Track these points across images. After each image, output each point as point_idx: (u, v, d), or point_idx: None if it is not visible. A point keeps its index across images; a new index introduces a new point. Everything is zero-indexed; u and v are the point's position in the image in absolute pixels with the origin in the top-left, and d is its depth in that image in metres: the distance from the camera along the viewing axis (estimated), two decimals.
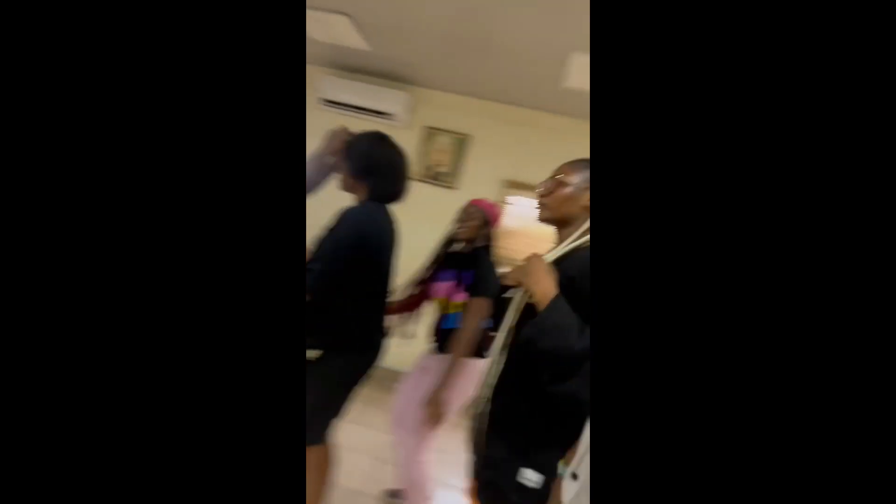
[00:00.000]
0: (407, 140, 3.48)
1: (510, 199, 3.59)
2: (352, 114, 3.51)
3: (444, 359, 1.67)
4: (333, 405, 1.38)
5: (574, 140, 3.48)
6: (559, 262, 0.92)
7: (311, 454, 1.39)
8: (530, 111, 3.52)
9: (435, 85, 3.51)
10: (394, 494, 2.00)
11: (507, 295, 0.99)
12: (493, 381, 0.91)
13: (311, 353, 1.31)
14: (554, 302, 0.82)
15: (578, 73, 2.74)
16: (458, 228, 1.79)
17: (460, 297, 1.66)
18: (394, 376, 2.50)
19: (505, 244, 3.54)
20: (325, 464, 1.46)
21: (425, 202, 3.51)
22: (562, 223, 1.00)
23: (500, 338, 0.92)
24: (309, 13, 2.77)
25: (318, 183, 1.40)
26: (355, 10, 2.69)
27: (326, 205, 1.58)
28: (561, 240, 1.00)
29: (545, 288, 0.84)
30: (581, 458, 0.68)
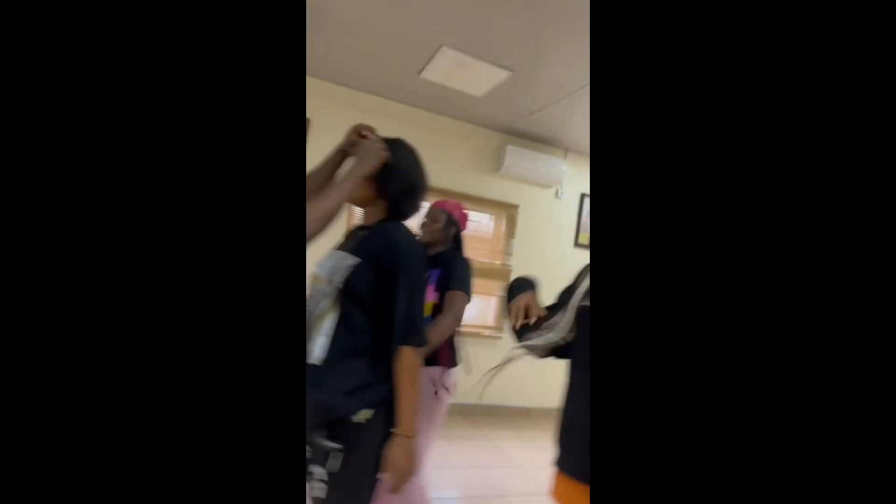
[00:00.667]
0: None
1: None
2: None
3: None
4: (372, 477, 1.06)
5: (428, 133, 3.46)
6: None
7: None
8: (379, 99, 3.35)
9: None
10: None
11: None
12: None
13: (364, 415, 1.01)
14: None
15: (441, 67, 2.71)
16: (423, 231, 1.69)
17: (431, 297, 1.58)
18: None
19: None
20: None
21: None
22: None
23: None
24: None
25: (340, 205, 1.04)
26: None
27: None
28: None
29: None
30: None
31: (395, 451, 1.01)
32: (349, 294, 1.06)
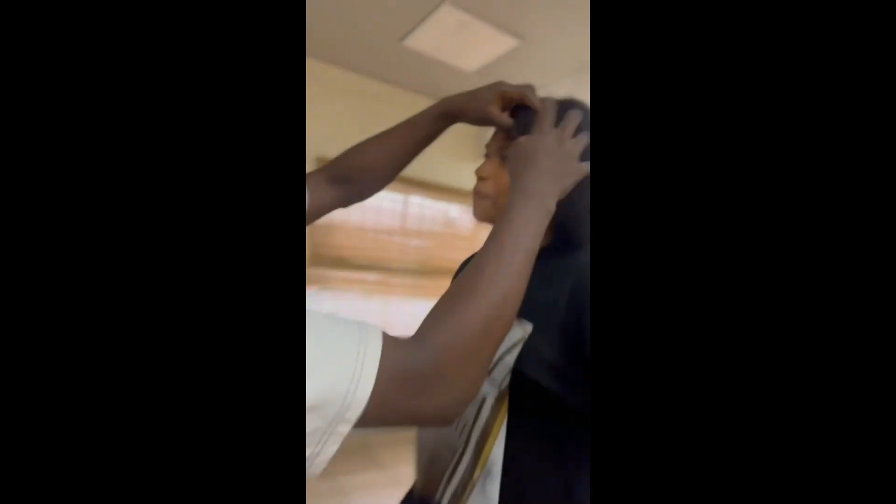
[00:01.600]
0: None
1: None
2: None
3: None
4: None
5: (401, 114, 2.94)
6: None
7: None
8: (344, 71, 2.78)
9: None
10: None
11: None
12: None
13: None
14: None
15: (434, 32, 2.21)
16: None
17: None
18: None
19: (351, 245, 2.84)
20: None
21: None
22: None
23: None
24: None
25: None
26: None
27: None
28: None
29: None
30: None
31: None
32: (523, 390, 0.59)
